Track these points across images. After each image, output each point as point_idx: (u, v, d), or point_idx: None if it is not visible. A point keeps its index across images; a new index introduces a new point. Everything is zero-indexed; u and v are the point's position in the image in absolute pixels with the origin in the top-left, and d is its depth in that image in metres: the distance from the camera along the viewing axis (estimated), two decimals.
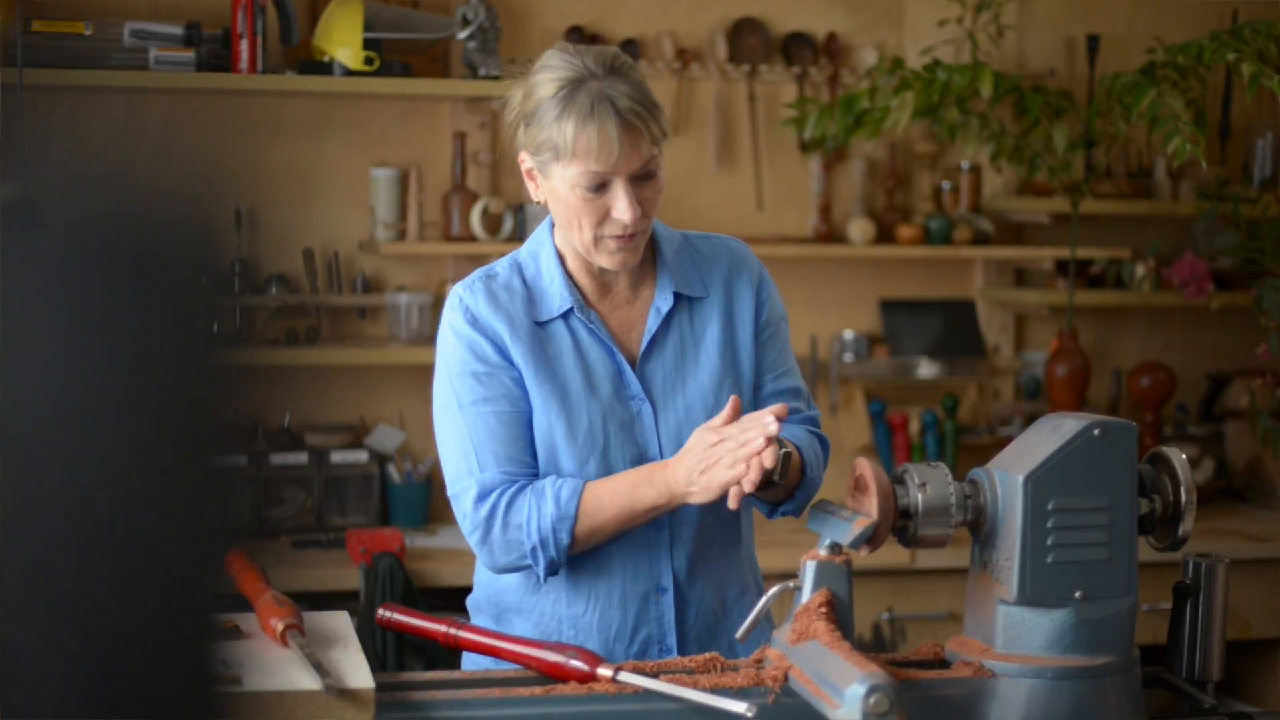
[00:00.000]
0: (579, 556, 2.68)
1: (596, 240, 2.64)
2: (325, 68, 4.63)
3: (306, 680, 2.19)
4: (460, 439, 2.69)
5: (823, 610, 2.31)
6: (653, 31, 5.17)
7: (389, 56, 4.69)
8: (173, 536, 1.16)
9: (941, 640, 2.49)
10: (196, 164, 1.17)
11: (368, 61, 4.61)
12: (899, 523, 2.41)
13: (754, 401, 2.79)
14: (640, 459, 2.69)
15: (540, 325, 2.71)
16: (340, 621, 2.50)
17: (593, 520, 2.62)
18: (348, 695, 2.16)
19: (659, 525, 2.70)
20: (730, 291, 2.80)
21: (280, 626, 2.33)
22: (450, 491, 2.71)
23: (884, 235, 5.28)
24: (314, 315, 4.81)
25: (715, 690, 2.26)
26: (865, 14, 5.31)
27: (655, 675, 2.32)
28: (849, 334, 5.30)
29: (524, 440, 2.68)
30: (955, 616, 4.60)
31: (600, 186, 2.59)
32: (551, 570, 2.66)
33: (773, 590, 2.40)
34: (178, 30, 4.57)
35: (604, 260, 2.67)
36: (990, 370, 5.42)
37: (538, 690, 2.28)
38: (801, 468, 2.68)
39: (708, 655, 2.39)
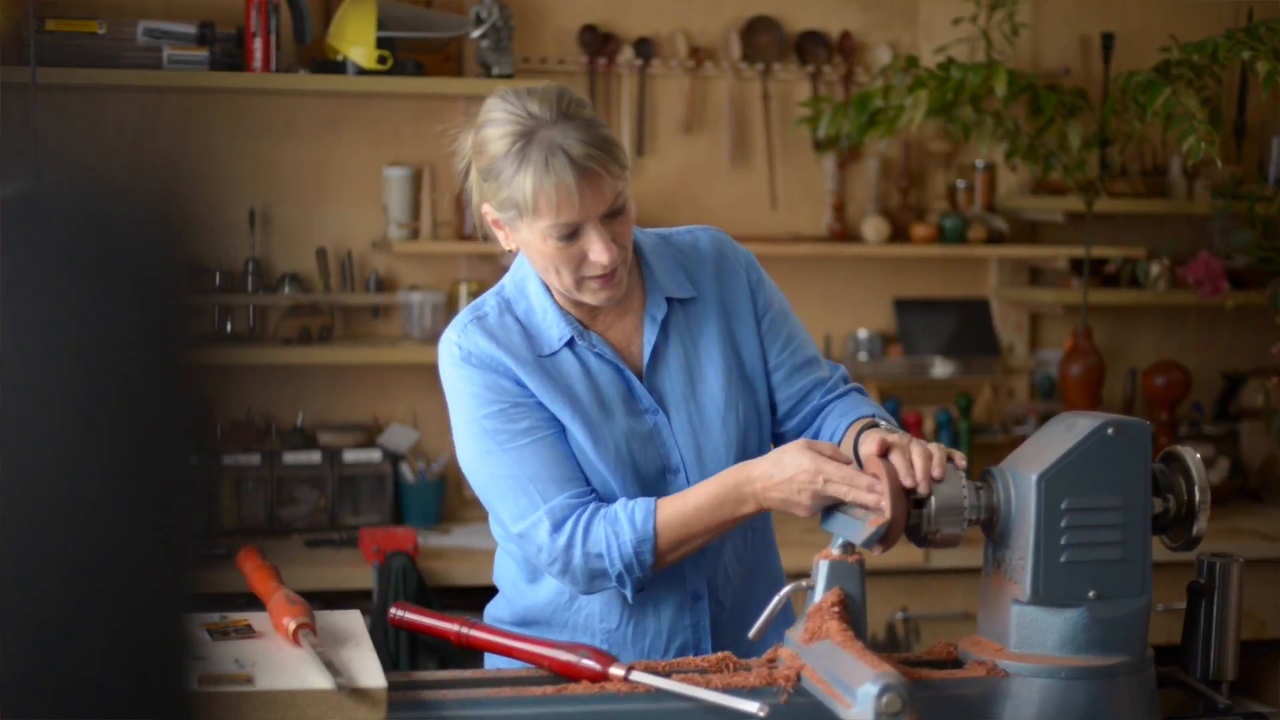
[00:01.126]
0: None
1: (579, 283, 2.59)
2: (339, 67, 4.64)
3: (318, 679, 2.18)
4: (511, 478, 2.63)
5: (835, 610, 2.30)
6: (666, 30, 5.17)
7: (402, 55, 4.69)
8: (127, 534, 1.15)
9: (956, 640, 2.48)
10: (172, 161, 1.16)
11: (381, 60, 4.61)
12: (912, 522, 2.40)
13: (769, 386, 2.76)
14: (665, 470, 2.68)
15: (545, 358, 2.67)
16: (352, 620, 2.49)
17: (676, 535, 2.57)
18: (359, 694, 2.16)
19: None
20: (721, 287, 2.77)
21: (292, 625, 2.33)
22: (517, 531, 2.63)
23: (898, 234, 5.28)
24: (327, 314, 4.81)
25: (727, 690, 2.26)
26: (879, 12, 5.31)
27: (667, 675, 2.32)
28: (863, 333, 5.29)
29: (573, 461, 2.64)
30: (970, 616, 4.59)
31: (572, 235, 2.54)
32: (639, 588, 2.62)
33: (785, 589, 2.40)
34: (191, 29, 4.57)
35: (589, 299, 2.62)
36: (1005, 369, 5.41)
37: (549, 690, 2.27)
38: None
39: (720, 655, 2.38)
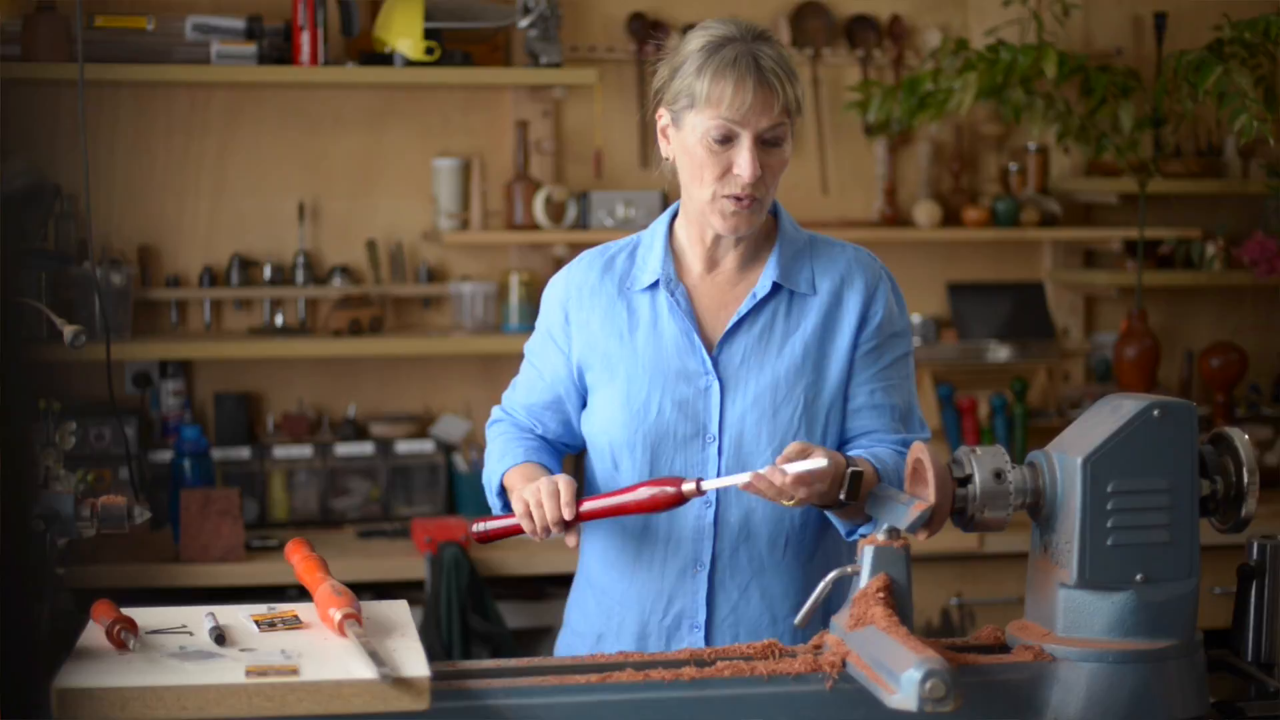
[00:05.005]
0: (626, 524, 2.77)
1: (714, 199, 2.69)
2: (386, 59, 4.64)
3: (363, 669, 2.19)
4: (522, 370, 2.96)
5: (880, 595, 2.29)
6: (715, 16, 5.13)
7: (450, 46, 4.69)
8: None
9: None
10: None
11: (429, 51, 4.61)
12: (957, 506, 2.39)
13: (842, 411, 2.78)
14: (698, 435, 2.73)
15: (628, 295, 2.81)
16: (399, 610, 2.50)
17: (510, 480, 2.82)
18: (403, 684, 2.16)
19: (708, 501, 2.73)
20: (839, 297, 2.79)
21: (338, 616, 2.34)
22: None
23: (950, 218, 5.25)
24: (378, 306, 4.82)
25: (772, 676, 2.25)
26: None
27: (713, 662, 2.32)
28: (916, 318, 5.26)
29: (539, 401, 2.90)
30: (1024, 601, 4.56)
31: (727, 140, 2.65)
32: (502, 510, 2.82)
33: (831, 575, 2.38)
34: (239, 24, 4.59)
35: (716, 222, 2.72)
36: (1060, 353, 5.38)
37: (593, 678, 2.27)
38: None
39: (766, 641, 2.38)
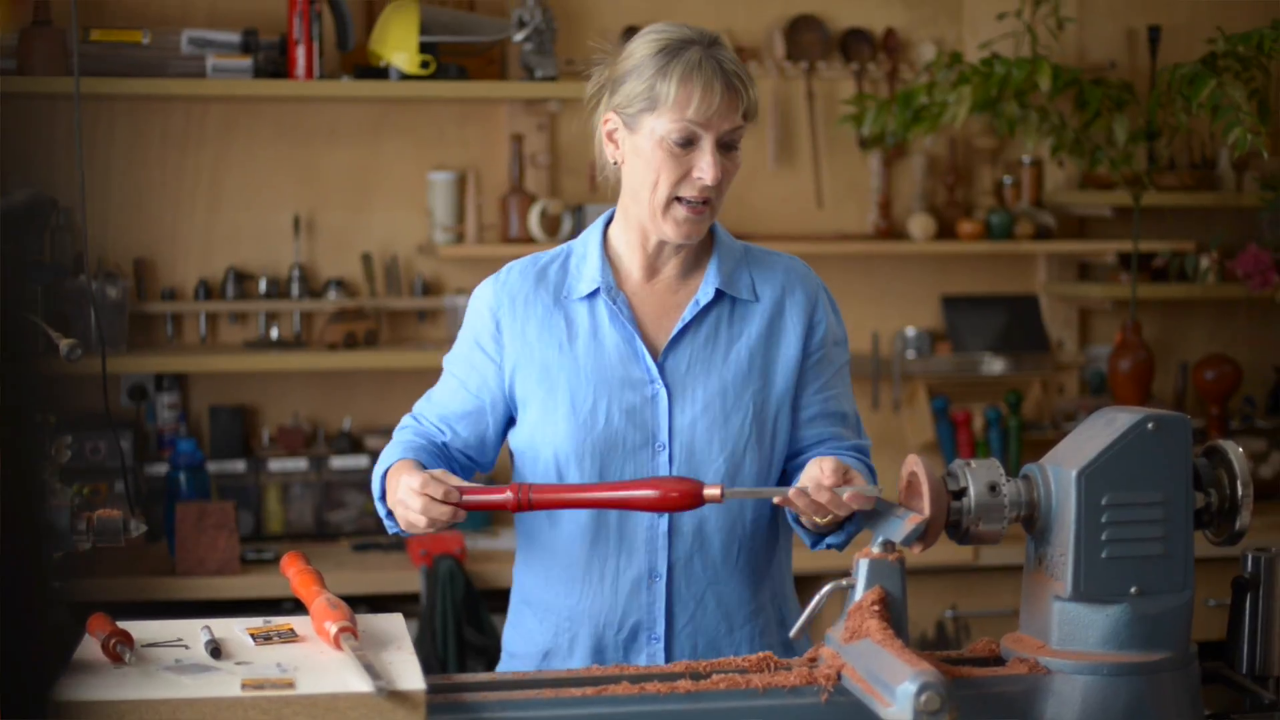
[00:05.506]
0: (574, 538, 2.73)
1: (669, 204, 2.68)
2: (381, 72, 4.65)
3: (358, 683, 2.19)
4: (439, 382, 2.88)
5: (875, 608, 2.29)
6: (710, 26, 5.14)
7: (445, 60, 4.70)
8: None
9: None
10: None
11: (424, 65, 4.62)
12: (952, 519, 2.39)
13: (790, 420, 2.78)
14: (647, 444, 2.71)
15: (564, 305, 2.78)
16: (394, 624, 2.50)
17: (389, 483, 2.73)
18: (399, 697, 2.16)
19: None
20: (781, 306, 2.80)
21: (334, 629, 2.34)
22: None
23: (945, 231, 5.25)
24: (373, 319, 4.82)
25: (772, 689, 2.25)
26: (923, 9, 5.29)
27: (708, 675, 2.32)
28: (911, 331, 5.27)
29: (457, 410, 2.82)
30: (1018, 614, 4.56)
31: (688, 143, 2.65)
32: (390, 528, 2.74)
33: (826, 588, 2.38)
34: (235, 37, 4.59)
35: (668, 229, 2.71)
36: (1054, 365, 5.38)
37: (589, 691, 2.27)
38: None
39: (761, 654, 2.38)
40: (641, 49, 2.69)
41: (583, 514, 2.73)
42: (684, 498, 2.49)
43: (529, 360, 2.76)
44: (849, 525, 2.65)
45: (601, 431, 2.71)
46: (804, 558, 2.84)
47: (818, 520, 2.53)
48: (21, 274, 1.15)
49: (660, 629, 2.73)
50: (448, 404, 2.83)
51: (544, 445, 2.74)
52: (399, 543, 4.62)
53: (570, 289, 2.78)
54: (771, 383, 2.76)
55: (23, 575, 1.19)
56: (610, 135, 2.75)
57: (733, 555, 2.75)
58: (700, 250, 2.80)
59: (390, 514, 2.72)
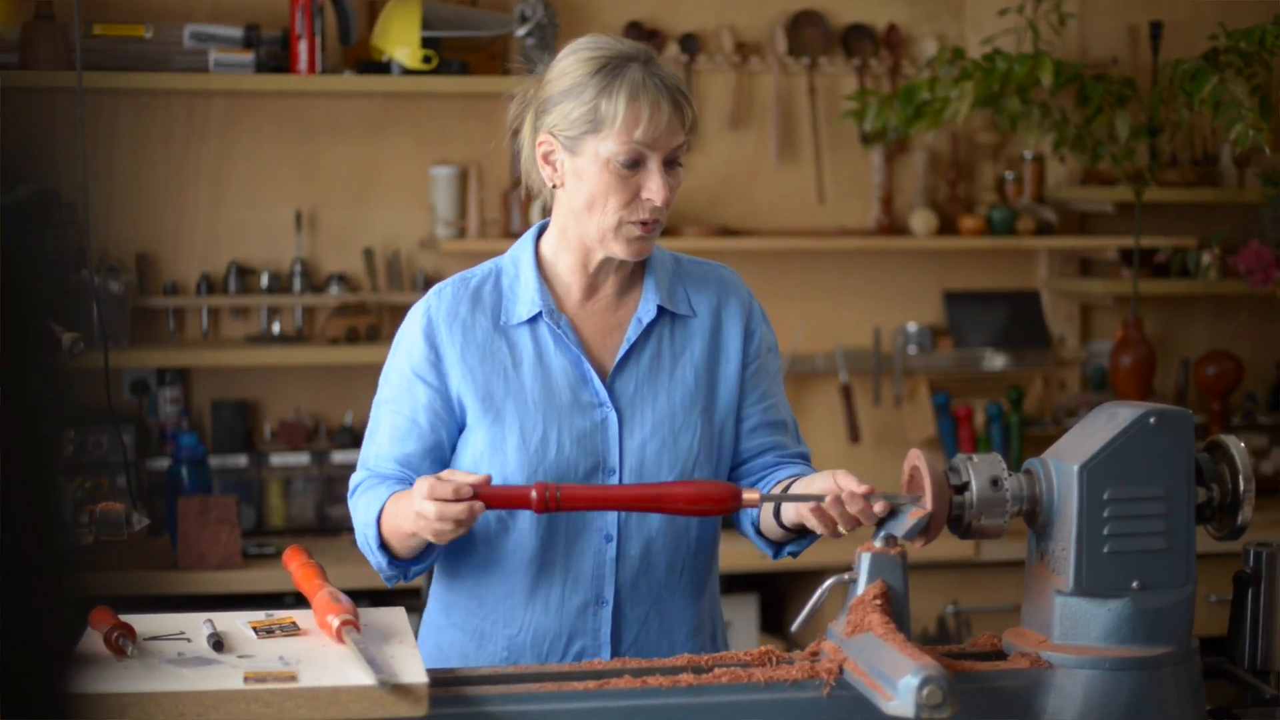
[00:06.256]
0: (518, 566, 2.67)
1: (618, 225, 2.61)
2: (383, 67, 4.65)
3: (361, 676, 2.20)
4: (371, 429, 2.75)
5: (877, 602, 2.29)
6: (712, 25, 5.16)
7: (447, 55, 4.70)
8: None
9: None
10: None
11: (426, 60, 4.62)
12: (954, 514, 2.39)
13: (735, 432, 2.76)
14: (597, 470, 2.67)
15: (505, 330, 2.69)
16: (396, 617, 2.51)
17: (391, 525, 2.61)
18: (401, 690, 2.17)
19: (608, 536, 2.68)
20: (718, 318, 2.76)
21: (336, 623, 2.35)
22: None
23: (947, 226, 5.26)
24: (375, 314, 4.83)
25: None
26: (926, 4, 5.29)
27: (710, 669, 2.32)
28: (912, 326, 5.27)
29: (415, 450, 2.69)
30: (1020, 609, 4.57)
31: (635, 164, 2.58)
32: (390, 578, 2.67)
33: (828, 582, 2.38)
34: (237, 32, 4.59)
35: (618, 248, 2.64)
36: (1056, 361, 5.39)
37: (591, 684, 2.28)
38: None
39: (763, 648, 2.38)
40: (576, 68, 2.61)
41: (529, 542, 2.66)
42: (723, 501, 2.45)
43: (472, 387, 2.67)
44: (814, 535, 2.63)
45: (553, 460, 2.64)
46: (807, 552, 2.82)
47: (842, 531, 2.47)
48: (36, 269, 1.15)
49: (605, 653, 2.68)
50: (403, 445, 2.70)
51: (492, 474, 2.60)
52: None
53: (508, 312, 2.69)
54: (717, 398, 2.73)
55: (35, 573, 1.20)
56: (546, 158, 2.66)
57: (676, 575, 2.73)
58: (634, 266, 2.74)
59: (392, 561, 2.65)
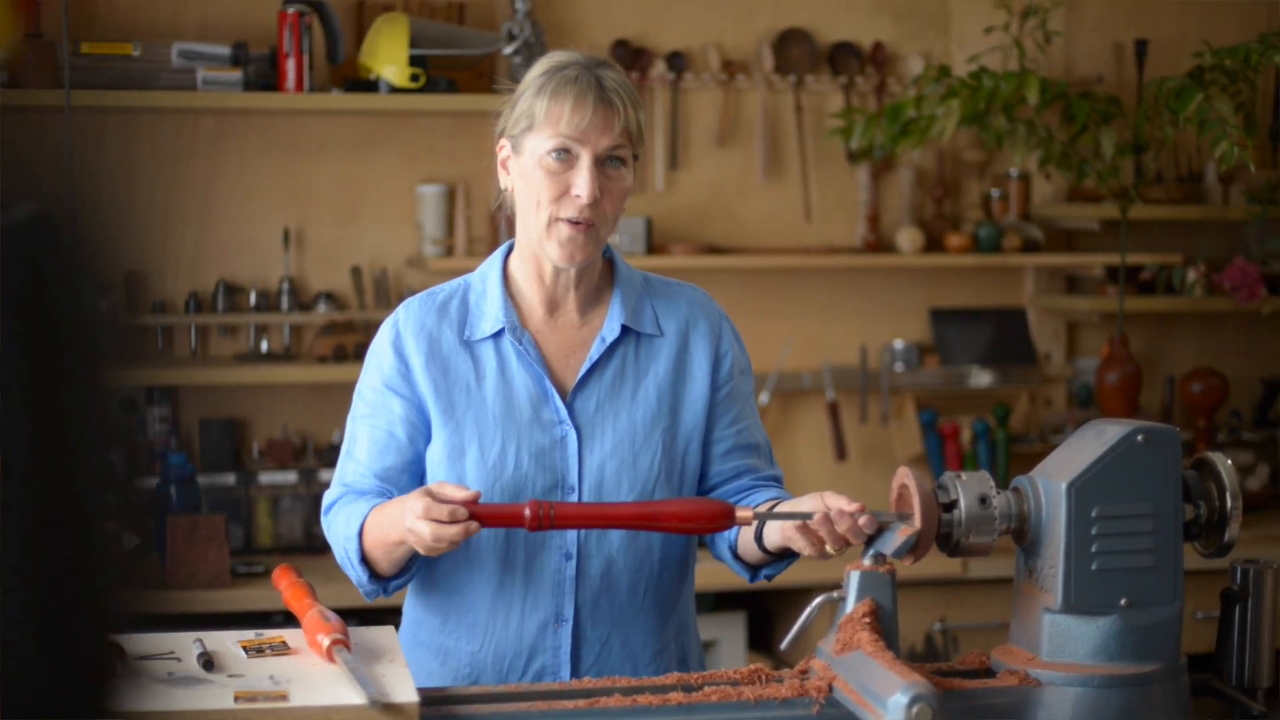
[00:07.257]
0: (480, 582, 2.67)
1: (550, 223, 2.63)
2: (371, 85, 4.66)
3: (351, 695, 2.20)
4: (347, 446, 2.75)
5: (867, 620, 2.30)
6: (699, 43, 5.17)
7: (435, 73, 4.71)
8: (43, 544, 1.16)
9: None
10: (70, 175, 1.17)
11: (413, 78, 4.63)
12: (942, 531, 2.40)
13: (700, 455, 2.76)
14: (556, 487, 2.67)
15: (470, 345, 2.71)
16: (386, 636, 2.51)
17: (375, 538, 2.60)
18: (392, 710, 2.17)
19: (568, 554, 2.68)
20: (685, 339, 2.77)
21: (326, 642, 2.35)
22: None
23: (933, 244, 5.27)
24: (363, 332, 4.82)
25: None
26: (911, 23, 5.31)
27: (699, 687, 2.32)
28: (899, 343, 5.28)
29: (395, 464, 2.69)
30: (1008, 626, 4.57)
31: (565, 158, 2.61)
32: (370, 592, 2.67)
33: (817, 600, 2.39)
34: (225, 50, 4.60)
35: (552, 251, 2.65)
36: (1042, 378, 5.40)
37: (581, 703, 2.28)
38: None
39: (753, 666, 2.39)
40: (530, 75, 2.68)
41: (490, 558, 2.67)
42: (716, 519, 2.46)
43: (437, 398, 2.68)
44: (791, 557, 2.65)
45: (511, 476, 2.65)
46: (795, 569, 2.83)
47: (830, 551, 2.47)
48: (70, 288, 1.16)
49: (565, 673, 2.68)
50: (382, 460, 2.70)
51: (459, 483, 2.62)
52: None
53: (473, 328, 2.71)
54: (680, 419, 2.74)
55: (80, 588, 1.21)
56: (503, 164, 2.72)
57: (639, 596, 2.72)
58: (601, 284, 2.76)
59: (373, 577, 2.65)
